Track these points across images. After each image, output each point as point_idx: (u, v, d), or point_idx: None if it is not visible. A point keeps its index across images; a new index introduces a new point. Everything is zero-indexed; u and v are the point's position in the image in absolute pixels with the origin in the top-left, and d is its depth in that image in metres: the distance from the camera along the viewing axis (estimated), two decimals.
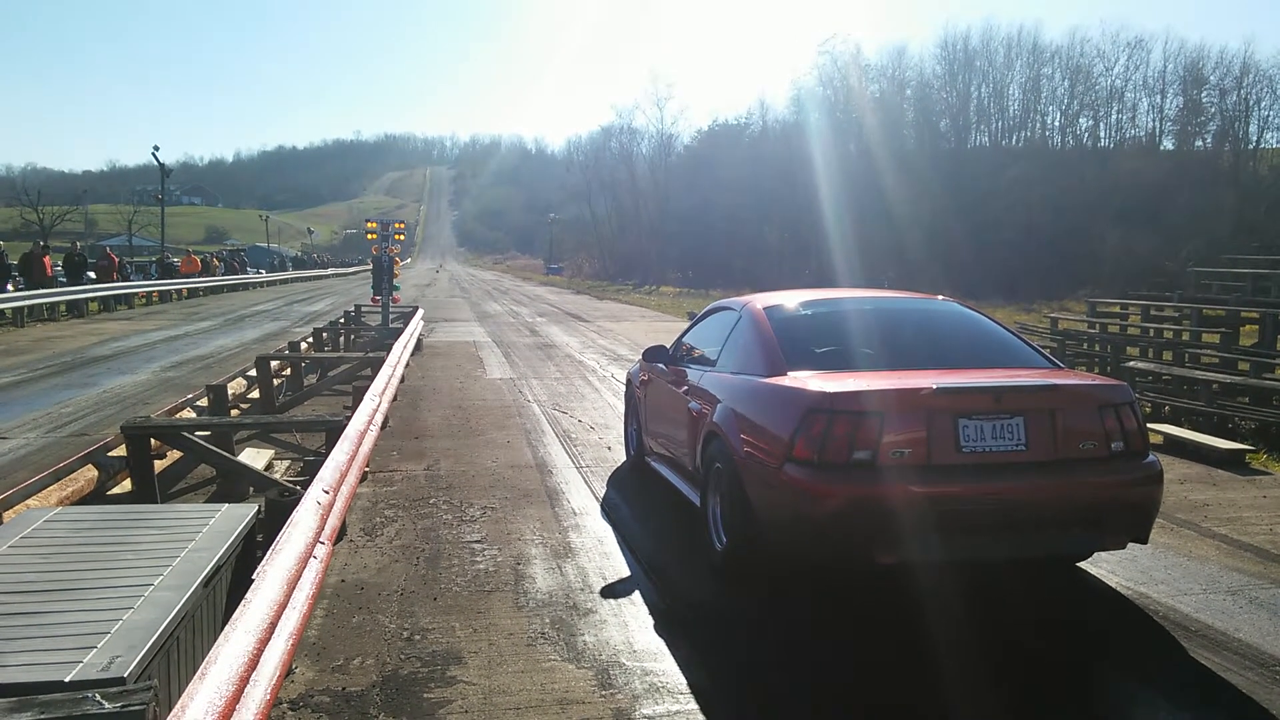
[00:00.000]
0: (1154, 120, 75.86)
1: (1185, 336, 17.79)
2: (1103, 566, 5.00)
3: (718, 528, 4.96)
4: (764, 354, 5.04)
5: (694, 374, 5.83)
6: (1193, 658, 3.84)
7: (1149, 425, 7.76)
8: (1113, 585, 4.74)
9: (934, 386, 4.20)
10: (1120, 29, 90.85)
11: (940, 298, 6.15)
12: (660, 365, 6.56)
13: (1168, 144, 74.58)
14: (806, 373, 4.68)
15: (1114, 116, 76.62)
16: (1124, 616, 4.36)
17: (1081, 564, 5.00)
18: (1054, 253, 53.40)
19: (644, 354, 6.86)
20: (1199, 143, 72.19)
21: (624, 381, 8.29)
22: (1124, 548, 4.48)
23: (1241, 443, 8.66)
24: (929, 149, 68.31)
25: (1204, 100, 71.77)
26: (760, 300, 5.79)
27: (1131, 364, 16.53)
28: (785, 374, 4.71)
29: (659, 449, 6.54)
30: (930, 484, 4.09)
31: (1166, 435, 8.52)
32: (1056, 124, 78.18)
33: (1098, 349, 20.32)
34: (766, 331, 5.21)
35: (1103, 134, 77.05)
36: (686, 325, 6.88)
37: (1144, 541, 4.44)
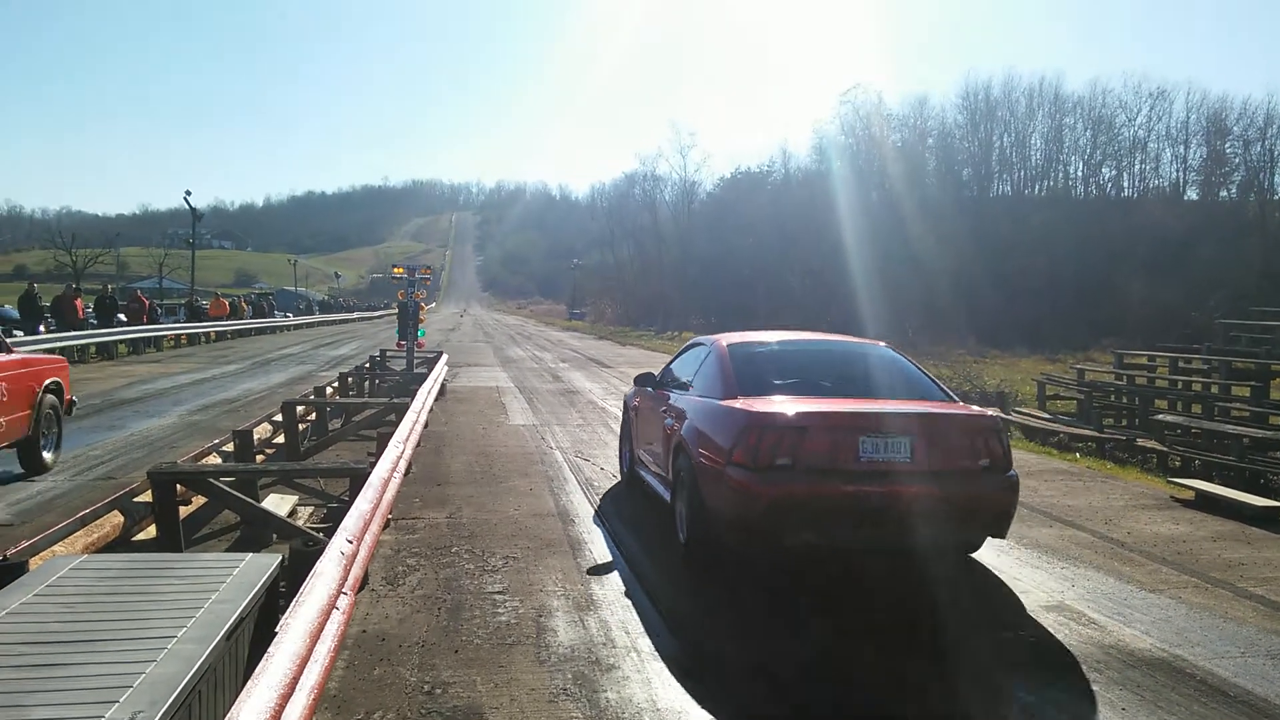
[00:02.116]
0: (1178, 170, 75.74)
1: (1215, 389, 17.54)
2: (1136, 628, 4.90)
3: (681, 523, 6.23)
4: (722, 381, 6.30)
5: (674, 397, 7.01)
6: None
7: (1179, 480, 8.25)
8: (1146, 647, 4.63)
9: (841, 411, 5.66)
10: (1142, 80, 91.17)
11: (883, 344, 7.24)
12: (649, 389, 7.81)
13: (1192, 194, 74.37)
14: (752, 398, 5.87)
15: (1137, 166, 76.59)
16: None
17: (1111, 617, 4.90)
18: (1078, 302, 53.14)
19: (635, 379, 8.24)
20: (1223, 193, 71.95)
21: None
22: (982, 543, 5.97)
23: (1275, 499, 8.50)
24: (952, 197, 68.39)
25: (1228, 151, 71.58)
26: (726, 338, 7.13)
27: (1160, 417, 16.33)
28: (737, 398, 5.93)
29: (645, 458, 7.66)
30: (834, 485, 5.28)
31: (1199, 491, 8.36)
32: (1079, 174, 78.19)
33: (1125, 401, 20.09)
34: (726, 364, 6.50)
35: (1126, 184, 76.97)
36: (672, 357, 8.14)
37: (1002, 536, 5.78)
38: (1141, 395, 19.17)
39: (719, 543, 5.74)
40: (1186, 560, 6.34)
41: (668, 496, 6.69)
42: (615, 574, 5.76)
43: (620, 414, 9.81)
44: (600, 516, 7.32)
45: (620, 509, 7.64)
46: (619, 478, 8.84)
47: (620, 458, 8.96)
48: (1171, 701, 4.00)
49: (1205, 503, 8.13)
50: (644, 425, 7.84)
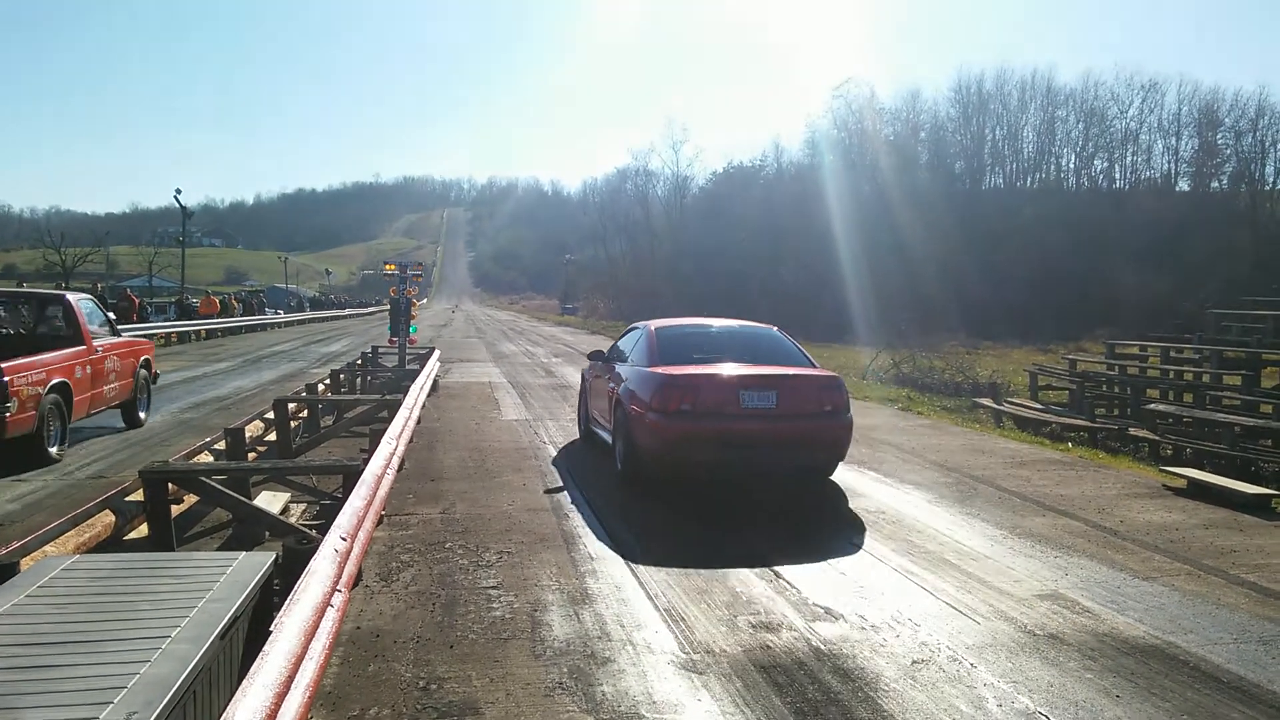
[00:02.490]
0: (1169, 162, 76.05)
1: (1206, 379, 17.61)
2: (1130, 616, 4.92)
3: (619, 457, 8.46)
4: (648, 354, 8.55)
5: (617, 366, 9.07)
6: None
7: (1171, 469, 8.49)
8: (1140, 634, 4.65)
9: (728, 373, 7.83)
10: (1134, 72, 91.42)
11: (778, 331, 9.42)
12: (599, 362, 9.99)
13: (1183, 185, 74.67)
14: (669, 365, 8.09)
15: (1129, 158, 76.92)
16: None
17: (1104, 605, 4.92)
18: (1070, 293, 53.27)
19: (589, 355, 10.64)
20: (1215, 184, 72.26)
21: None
22: (833, 469, 8.29)
23: (1266, 486, 8.54)
24: (944, 190, 68.55)
25: (1219, 142, 71.87)
26: (655, 323, 9.47)
27: (1152, 406, 16.41)
28: (658, 366, 8.15)
29: (596, 415, 9.90)
30: (721, 424, 7.51)
31: (1191, 480, 8.40)
32: (1071, 166, 78.48)
33: (1117, 391, 20.17)
34: (653, 341, 8.79)
35: (1118, 176, 77.28)
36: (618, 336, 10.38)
37: (840, 459, 8.12)
38: (1133, 385, 19.23)
39: (645, 467, 7.93)
40: (1179, 548, 6.36)
41: (610, 440, 8.95)
42: (610, 568, 5.76)
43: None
44: (594, 511, 7.32)
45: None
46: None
47: (579, 419, 11.19)
48: (1165, 689, 4.02)
49: (1197, 491, 8.17)
50: (595, 389, 10.02)
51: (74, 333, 10.57)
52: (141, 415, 11.96)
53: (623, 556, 6.00)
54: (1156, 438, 14.86)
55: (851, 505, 7.63)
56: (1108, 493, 8.27)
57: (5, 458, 8.63)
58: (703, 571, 5.68)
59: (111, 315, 12.62)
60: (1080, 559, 6.06)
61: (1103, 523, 7.10)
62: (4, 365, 8.52)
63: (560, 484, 8.36)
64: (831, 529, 6.93)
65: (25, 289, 17.49)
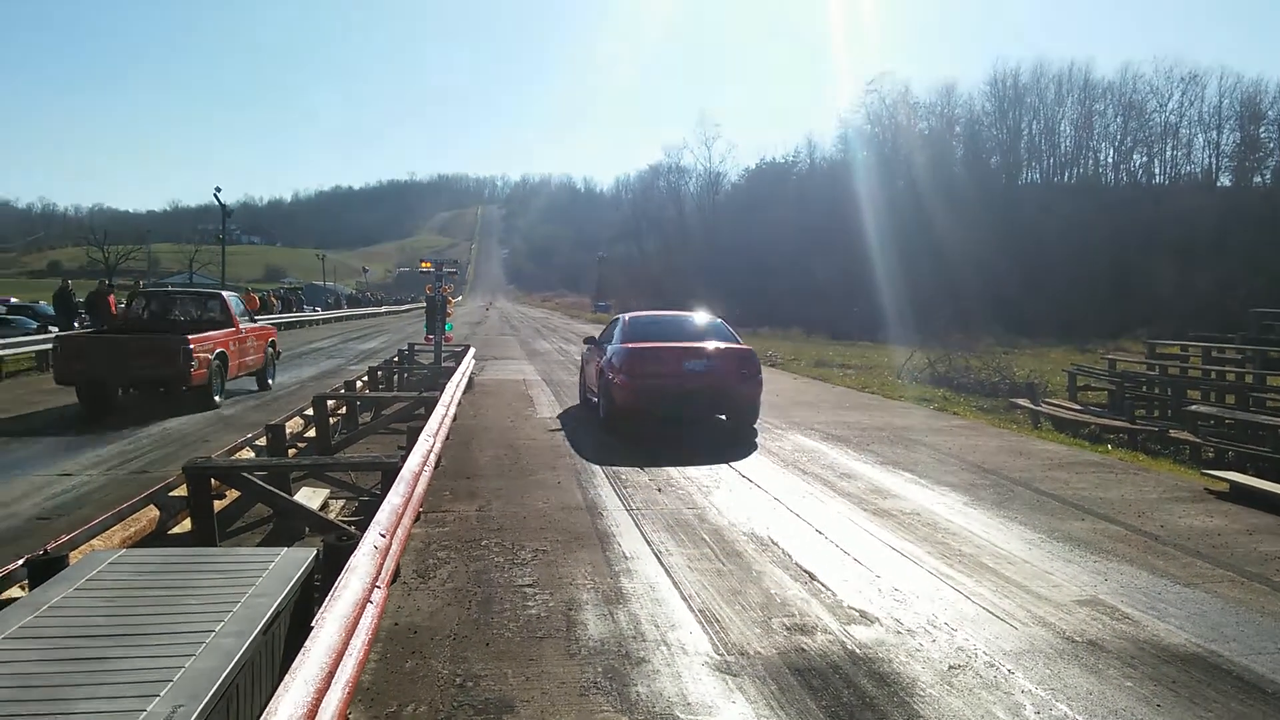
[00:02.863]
0: (1210, 156, 74.62)
1: (1249, 379, 17.26)
2: (1170, 623, 4.85)
3: (600, 409, 11.75)
4: (621, 335, 11.83)
5: (606, 347, 12.03)
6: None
7: (1213, 472, 8.51)
8: (1181, 642, 4.58)
9: (673, 346, 11.28)
10: (1174, 64, 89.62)
11: (719, 320, 12.94)
12: (592, 345, 13.24)
13: (1225, 180, 73.19)
14: (635, 343, 11.38)
15: (1169, 153, 75.55)
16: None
17: (1145, 612, 4.86)
18: (1109, 291, 52.51)
19: (585, 340, 14.47)
20: (1257, 179, 70.73)
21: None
22: (754, 415, 11.56)
23: None
24: (979, 186, 67.76)
25: (1262, 135, 70.36)
26: (628, 313, 13.80)
27: (1194, 408, 16.12)
28: (627, 343, 11.41)
29: (590, 385, 13.06)
30: (669, 382, 10.82)
31: (1233, 483, 8.25)
32: (1110, 160, 77.26)
33: (1157, 392, 19.84)
34: (625, 326, 12.27)
35: (1157, 170, 75.98)
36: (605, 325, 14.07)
37: (756, 406, 11.43)
38: (1174, 386, 18.91)
39: (617, 416, 11.25)
40: (1221, 554, 6.26)
41: (596, 400, 12.29)
42: (644, 567, 5.77)
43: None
44: (628, 510, 7.34)
45: (650, 503, 7.69)
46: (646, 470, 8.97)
47: (580, 390, 14.54)
48: (1208, 698, 3.96)
49: (1240, 495, 8.02)
50: (589, 366, 13.27)
51: (226, 318, 14.82)
52: (270, 381, 16.34)
53: (655, 556, 6.02)
54: (1198, 440, 14.60)
55: (884, 505, 7.59)
56: (1148, 496, 8.16)
57: (188, 402, 13.13)
58: (736, 572, 5.68)
59: (243, 306, 16.56)
60: (1120, 564, 5.98)
61: (1143, 527, 7.00)
62: (190, 338, 12.86)
63: (594, 482, 8.39)
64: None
65: (195, 289, 23.84)
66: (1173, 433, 15.13)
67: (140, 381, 13.21)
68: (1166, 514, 7.45)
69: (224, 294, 15.73)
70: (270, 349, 16.43)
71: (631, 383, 10.84)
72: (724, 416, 11.69)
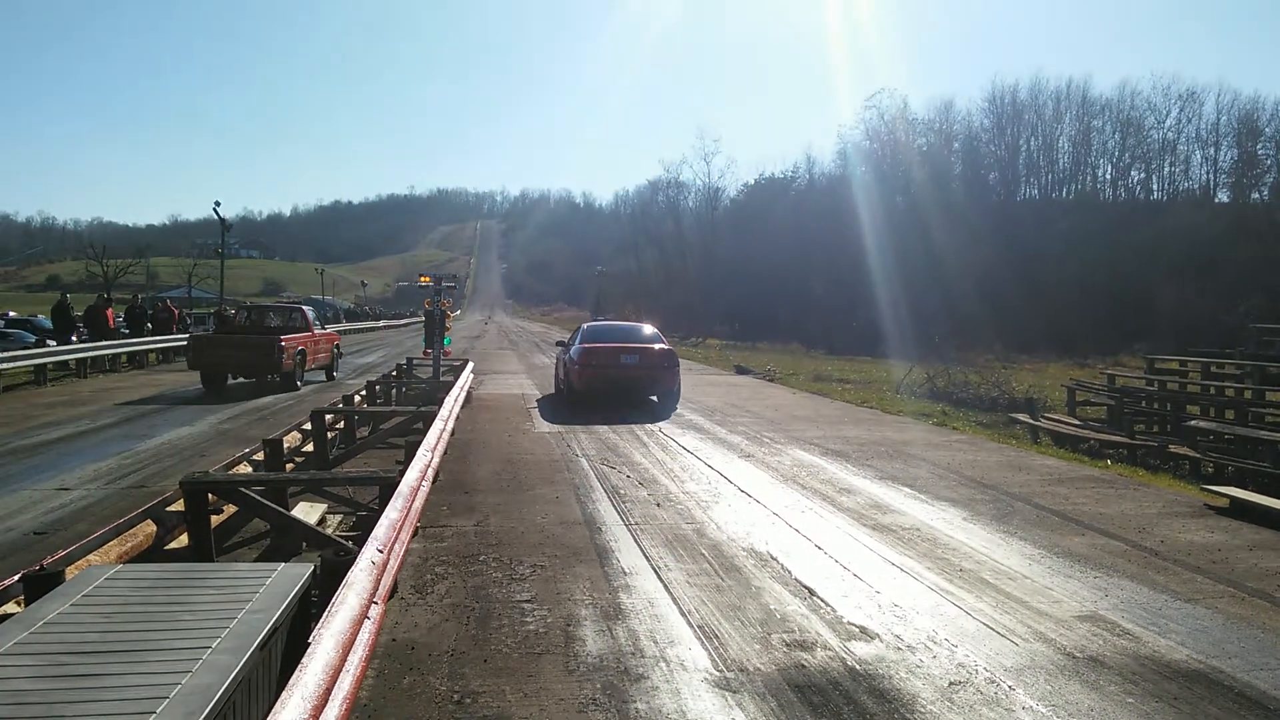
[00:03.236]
0: (1208, 173, 74.86)
1: (1248, 395, 17.27)
2: (1172, 638, 4.83)
3: (563, 393, 16.81)
4: (580, 338, 16.51)
5: (571, 349, 16.33)
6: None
7: (1213, 487, 8.52)
8: (1182, 658, 4.56)
9: (614, 345, 15.97)
10: (1171, 81, 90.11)
11: (649, 328, 17.55)
12: (561, 346, 17.84)
13: (1223, 196, 73.37)
14: (588, 344, 15.91)
15: (1166, 169, 75.80)
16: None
17: (1145, 627, 4.84)
18: (1108, 306, 52.59)
19: (556, 344, 19.76)
20: (1255, 195, 70.91)
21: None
22: (675, 395, 15.96)
23: None
24: (978, 202, 67.98)
25: (1259, 152, 70.62)
26: (588, 322, 20.03)
27: (1193, 423, 16.12)
28: (585, 344, 15.94)
29: (560, 378, 17.17)
30: (610, 371, 15.56)
31: (1233, 499, 8.24)
32: (1107, 176, 77.49)
33: (1156, 407, 19.84)
34: (585, 332, 17.01)
35: (1155, 187, 76.21)
36: (572, 332, 18.39)
37: (676, 390, 15.96)
38: (1173, 401, 18.92)
39: (576, 395, 15.63)
40: (1222, 569, 6.25)
41: (564, 387, 16.64)
42: (643, 583, 5.75)
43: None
44: (627, 525, 7.32)
45: (648, 518, 7.66)
46: (644, 485, 8.93)
47: (555, 381, 18.18)
48: (1209, 715, 3.94)
49: (1240, 510, 8.01)
50: (559, 362, 17.56)
51: (305, 325, 20.38)
52: (336, 375, 21.84)
53: (654, 571, 6.01)
54: (1197, 455, 14.60)
55: (884, 520, 7.57)
56: (1148, 511, 8.14)
57: (280, 385, 18.44)
58: (735, 588, 5.66)
59: (310, 313, 21.84)
60: (1120, 579, 5.97)
61: (1143, 542, 6.98)
62: (282, 339, 17.96)
63: (592, 497, 8.37)
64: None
65: (285, 302, 32.04)
66: (1172, 448, 15.13)
67: (246, 369, 18.24)
68: (1167, 529, 7.43)
69: (304, 307, 21.65)
70: (335, 349, 22.20)
71: (584, 371, 15.34)
72: (655, 398, 15.86)
